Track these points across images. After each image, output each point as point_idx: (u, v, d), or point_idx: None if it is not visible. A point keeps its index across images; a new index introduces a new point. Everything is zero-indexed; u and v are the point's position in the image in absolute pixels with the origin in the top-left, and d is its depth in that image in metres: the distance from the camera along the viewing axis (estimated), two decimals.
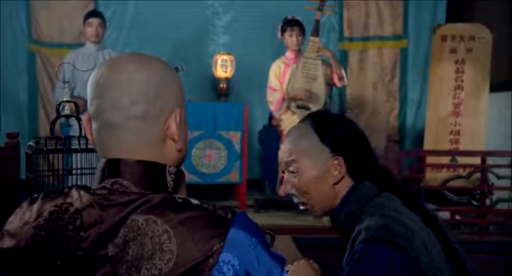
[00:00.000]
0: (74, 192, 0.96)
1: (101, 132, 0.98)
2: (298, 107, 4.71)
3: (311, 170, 1.44)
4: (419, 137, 5.30)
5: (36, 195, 1.02)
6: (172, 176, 0.98)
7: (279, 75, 4.84)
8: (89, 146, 2.03)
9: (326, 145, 1.43)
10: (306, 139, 1.45)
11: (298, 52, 4.81)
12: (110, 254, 0.87)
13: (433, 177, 4.71)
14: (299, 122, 1.56)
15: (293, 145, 1.47)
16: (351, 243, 1.35)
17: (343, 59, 5.76)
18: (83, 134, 2.06)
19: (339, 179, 1.44)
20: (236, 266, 0.87)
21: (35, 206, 0.97)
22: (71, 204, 0.94)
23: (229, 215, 0.90)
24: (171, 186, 0.98)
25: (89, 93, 0.98)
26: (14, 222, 0.98)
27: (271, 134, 4.89)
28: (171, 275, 0.85)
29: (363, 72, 5.90)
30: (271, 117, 4.97)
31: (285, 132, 4.73)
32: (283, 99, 4.76)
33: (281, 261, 0.93)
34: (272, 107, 4.83)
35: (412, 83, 5.84)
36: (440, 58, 5.02)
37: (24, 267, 0.93)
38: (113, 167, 0.95)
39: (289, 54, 4.84)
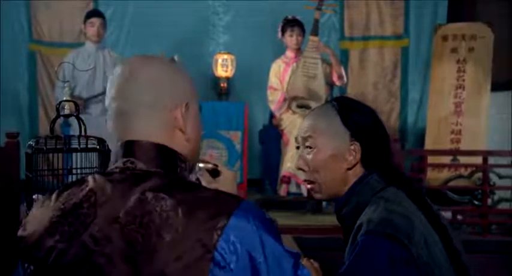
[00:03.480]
0: (89, 177, 1.04)
1: (115, 120, 1.07)
2: (298, 106, 4.71)
3: (327, 150, 1.44)
4: (421, 137, 5.30)
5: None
6: (183, 165, 1.06)
7: (280, 74, 4.85)
8: (89, 146, 2.03)
9: (348, 129, 1.44)
10: (329, 119, 1.46)
11: (298, 51, 4.82)
12: (120, 228, 0.94)
13: (434, 177, 4.70)
14: (324, 103, 1.56)
15: (314, 122, 1.47)
16: (353, 235, 1.35)
17: (343, 59, 5.76)
18: (82, 133, 2.06)
19: (353, 165, 1.44)
20: (238, 247, 0.91)
21: (54, 195, 1.05)
22: (86, 186, 1.02)
23: (236, 200, 0.97)
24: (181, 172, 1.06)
25: (107, 89, 1.09)
26: (33, 213, 1.07)
27: (272, 133, 4.89)
28: (175, 247, 0.90)
29: (364, 71, 5.90)
30: (271, 116, 4.98)
31: (285, 132, 4.74)
32: (284, 98, 4.76)
33: (294, 256, 0.96)
34: (273, 107, 4.84)
35: (413, 83, 5.85)
36: (442, 57, 5.01)
37: (42, 248, 1.00)
38: (127, 148, 1.04)
39: (289, 54, 4.85)
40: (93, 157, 2.04)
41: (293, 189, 4.72)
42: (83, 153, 1.98)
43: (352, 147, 1.43)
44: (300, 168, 1.49)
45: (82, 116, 2.20)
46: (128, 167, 1.02)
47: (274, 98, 4.82)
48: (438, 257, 1.31)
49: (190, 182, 1.03)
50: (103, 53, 4.86)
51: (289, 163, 4.61)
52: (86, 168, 2.03)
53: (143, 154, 1.03)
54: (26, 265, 1.02)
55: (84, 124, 2.11)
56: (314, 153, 1.46)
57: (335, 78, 4.74)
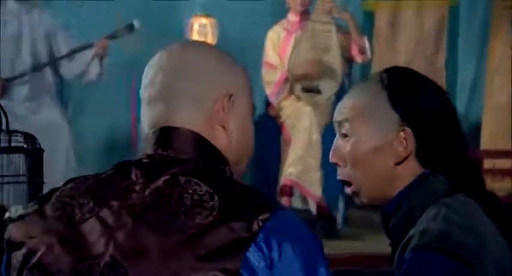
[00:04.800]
0: (113, 166, 1.20)
1: (148, 107, 1.24)
2: (305, 89, 4.74)
3: (369, 138, 1.47)
4: (475, 132, 5.35)
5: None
6: (223, 167, 1.20)
7: (279, 46, 4.95)
8: (13, 144, 1.99)
9: (396, 111, 1.45)
10: (372, 98, 1.48)
11: (304, 14, 4.89)
12: (142, 208, 1.09)
13: (493, 186, 4.70)
14: (370, 77, 1.60)
15: (352, 101, 1.50)
16: (401, 249, 1.39)
17: (367, 24, 5.84)
18: (3, 126, 2.00)
19: (403, 159, 1.45)
20: (276, 245, 1.04)
21: (61, 186, 1.20)
22: (106, 172, 1.18)
23: (278, 204, 1.15)
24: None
25: (142, 78, 1.27)
26: (32, 206, 1.19)
27: (269, 127, 4.97)
28: (208, 231, 1.04)
29: (395, 43, 5.97)
30: (268, 104, 5.00)
31: (286, 125, 4.77)
32: (285, 79, 4.80)
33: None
34: (270, 90, 4.93)
35: (464, 58, 5.88)
36: (505, 22, 5.01)
37: (53, 229, 1.12)
38: (161, 135, 1.20)
39: (292, 17, 4.96)
40: (19, 159, 2.01)
41: (297, 203, 4.77)
42: (4, 155, 1.94)
43: (402, 133, 1.44)
44: (334, 163, 1.51)
45: (2, 103, 2.16)
46: (158, 153, 1.18)
47: (272, 79, 4.88)
48: None
49: (228, 176, 1.19)
50: (31, 14, 4.80)
51: (291, 168, 4.71)
52: (9, 176, 1.99)
53: (178, 142, 1.18)
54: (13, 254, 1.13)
55: (5, 114, 2.07)
56: (352, 144, 1.47)
57: (355, 52, 4.81)
